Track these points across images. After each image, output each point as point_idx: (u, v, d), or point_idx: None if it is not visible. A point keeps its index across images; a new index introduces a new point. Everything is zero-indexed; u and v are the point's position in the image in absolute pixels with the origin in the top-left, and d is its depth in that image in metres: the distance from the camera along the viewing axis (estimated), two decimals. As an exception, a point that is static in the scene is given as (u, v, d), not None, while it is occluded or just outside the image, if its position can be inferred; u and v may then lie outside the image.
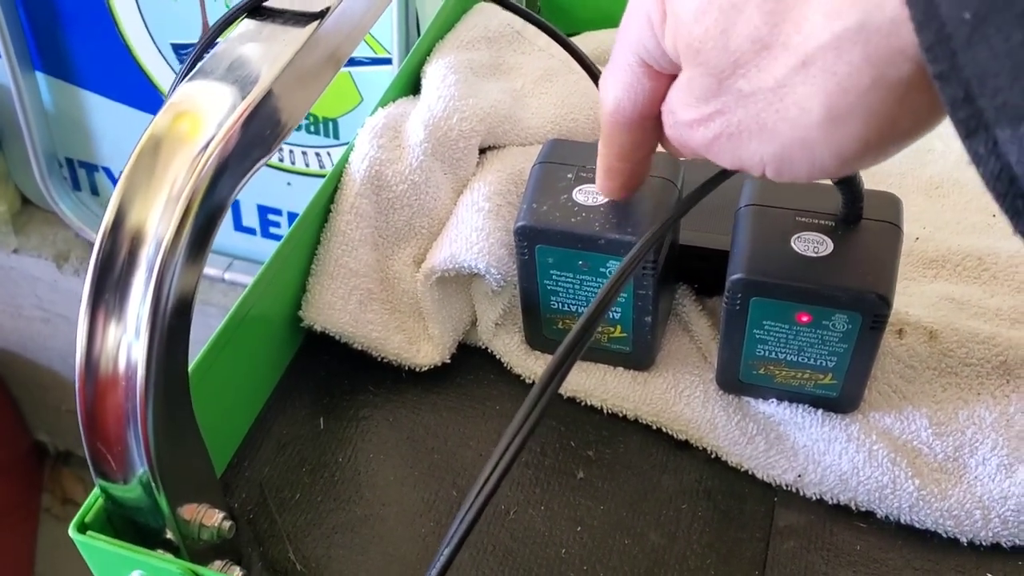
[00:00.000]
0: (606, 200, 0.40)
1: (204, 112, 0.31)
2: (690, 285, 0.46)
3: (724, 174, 0.34)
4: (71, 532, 0.32)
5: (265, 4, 0.36)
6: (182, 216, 0.30)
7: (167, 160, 0.30)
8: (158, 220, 0.30)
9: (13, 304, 1.17)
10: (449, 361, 0.45)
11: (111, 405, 0.30)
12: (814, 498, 0.41)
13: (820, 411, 0.41)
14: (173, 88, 0.35)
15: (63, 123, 1.02)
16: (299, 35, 0.34)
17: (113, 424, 0.30)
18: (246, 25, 0.35)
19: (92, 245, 1.11)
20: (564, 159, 0.42)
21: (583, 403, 0.44)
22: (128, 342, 0.29)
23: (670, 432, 0.43)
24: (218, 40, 0.37)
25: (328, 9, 0.35)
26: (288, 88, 0.33)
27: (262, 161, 0.33)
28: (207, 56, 0.34)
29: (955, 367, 0.42)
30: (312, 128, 0.92)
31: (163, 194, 0.30)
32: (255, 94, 0.32)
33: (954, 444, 0.40)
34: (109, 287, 0.30)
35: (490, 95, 0.50)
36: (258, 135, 0.32)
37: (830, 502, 0.40)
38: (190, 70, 0.34)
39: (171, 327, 0.30)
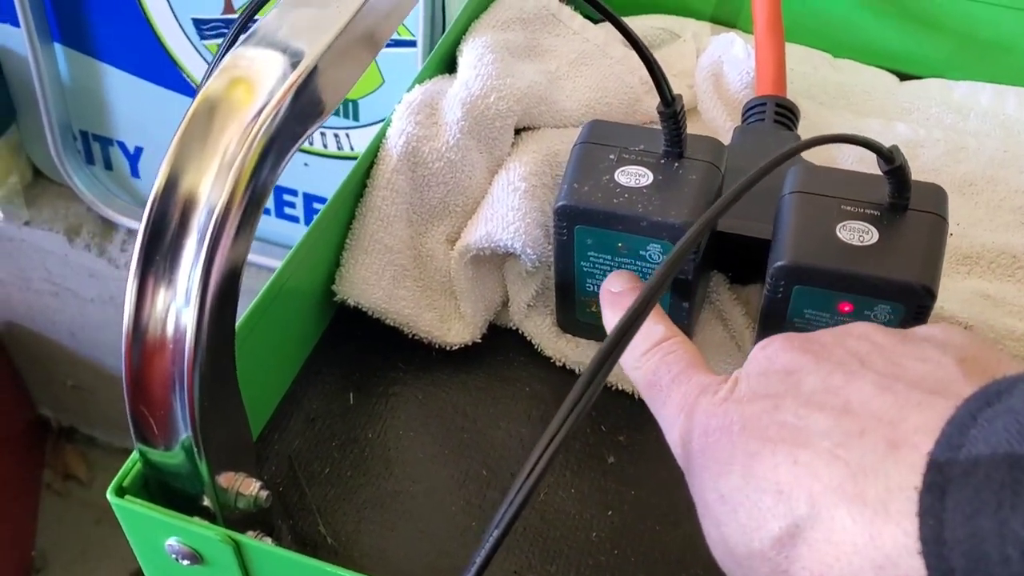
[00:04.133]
0: (649, 182, 0.39)
1: (257, 79, 0.31)
2: (724, 273, 0.46)
3: (776, 161, 0.33)
4: (109, 495, 0.32)
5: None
6: (234, 185, 0.29)
7: (221, 126, 0.30)
8: (210, 187, 0.29)
9: (22, 277, 1.16)
10: (480, 341, 0.45)
11: (157, 369, 0.30)
12: (846, 489, 0.40)
13: (853, 402, 0.41)
14: (222, 53, 0.35)
15: (79, 96, 1.01)
16: (345, 10, 0.34)
17: (159, 388, 0.30)
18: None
19: (104, 220, 1.09)
20: (606, 140, 0.41)
21: (615, 387, 0.44)
22: (177, 308, 0.29)
23: (701, 419, 0.43)
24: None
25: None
26: (332, 64, 0.33)
27: (305, 136, 0.33)
28: (255, 23, 0.34)
29: (989, 363, 0.42)
30: (331, 109, 0.91)
31: (216, 161, 0.30)
32: (305, 65, 0.32)
33: (987, 439, 0.40)
34: (160, 252, 0.29)
35: (526, 75, 0.50)
36: (305, 108, 0.32)
37: (862, 493, 0.40)
38: (237, 37, 0.34)
39: (221, 294, 0.30)
